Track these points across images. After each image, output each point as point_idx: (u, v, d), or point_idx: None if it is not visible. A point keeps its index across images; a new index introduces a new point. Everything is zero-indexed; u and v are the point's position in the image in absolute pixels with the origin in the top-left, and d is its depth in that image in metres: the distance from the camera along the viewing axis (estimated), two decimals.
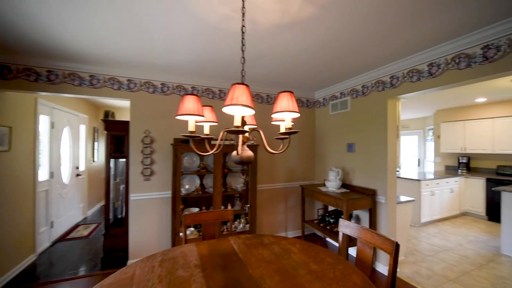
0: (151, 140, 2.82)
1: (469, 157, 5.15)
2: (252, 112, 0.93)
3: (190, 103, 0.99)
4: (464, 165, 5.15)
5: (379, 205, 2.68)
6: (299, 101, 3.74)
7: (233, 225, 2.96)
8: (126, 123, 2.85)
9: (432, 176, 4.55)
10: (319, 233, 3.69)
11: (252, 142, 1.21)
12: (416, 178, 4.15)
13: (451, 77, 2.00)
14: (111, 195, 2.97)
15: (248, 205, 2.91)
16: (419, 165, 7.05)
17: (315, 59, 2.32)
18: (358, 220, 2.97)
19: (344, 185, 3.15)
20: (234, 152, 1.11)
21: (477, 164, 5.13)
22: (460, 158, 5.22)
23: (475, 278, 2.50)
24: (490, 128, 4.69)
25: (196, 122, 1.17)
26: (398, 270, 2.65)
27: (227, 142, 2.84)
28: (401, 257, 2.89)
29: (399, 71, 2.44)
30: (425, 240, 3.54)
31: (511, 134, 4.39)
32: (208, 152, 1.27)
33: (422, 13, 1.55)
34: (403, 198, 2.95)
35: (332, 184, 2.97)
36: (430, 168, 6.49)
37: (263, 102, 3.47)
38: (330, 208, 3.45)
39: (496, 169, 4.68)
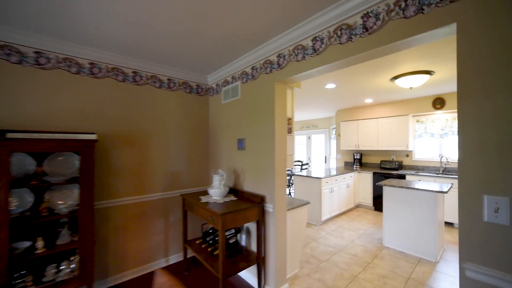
0: None
1: (361, 153, 5.67)
2: None
3: None
4: (357, 161, 5.64)
5: (267, 215, 2.16)
6: (185, 86, 2.92)
7: (52, 271, 1.83)
8: None
9: (334, 172, 4.64)
10: None
11: None
12: (317, 176, 4.08)
13: (334, 53, 1.61)
14: None
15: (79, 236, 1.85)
16: (325, 162, 7.56)
17: (174, 18, 1.53)
18: (248, 234, 2.40)
19: (234, 191, 2.53)
20: None
21: (367, 159, 5.71)
22: (355, 154, 5.69)
23: (362, 284, 2.32)
24: (375, 127, 5.23)
25: None
26: None
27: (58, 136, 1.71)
28: (295, 270, 2.50)
29: (285, 48, 1.97)
30: (323, 241, 3.38)
31: (389, 133, 4.99)
32: None
33: None
34: (301, 201, 2.57)
35: (216, 192, 2.28)
36: (334, 164, 6.99)
37: (127, 80, 2.45)
38: None
39: (380, 164, 5.27)
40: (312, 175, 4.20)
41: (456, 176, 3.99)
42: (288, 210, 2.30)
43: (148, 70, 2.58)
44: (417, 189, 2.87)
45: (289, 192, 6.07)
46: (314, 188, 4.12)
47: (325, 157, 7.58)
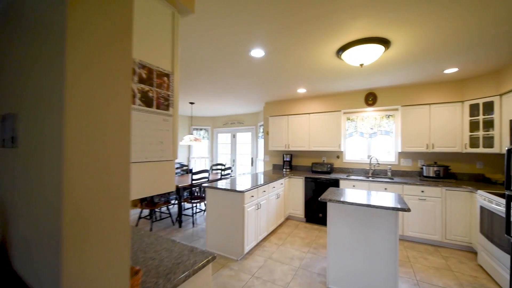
0: None
1: (291, 154, 4.87)
2: None
3: None
4: (287, 163, 4.81)
5: None
6: None
7: None
8: None
9: (261, 180, 3.53)
10: None
11: None
12: (239, 189, 2.81)
13: None
14: None
15: None
16: (252, 164, 6.53)
17: None
18: None
19: None
20: None
21: (298, 161, 4.98)
22: (284, 156, 4.84)
23: None
24: (306, 124, 4.52)
25: None
26: None
27: None
28: None
29: None
30: None
31: (322, 131, 4.35)
32: None
33: None
34: (196, 258, 1.16)
35: None
36: (261, 167, 6.04)
37: None
38: None
39: (311, 167, 4.59)
40: (231, 188, 2.89)
41: (388, 180, 3.66)
42: None
43: None
44: (373, 206, 2.02)
45: (205, 209, 4.60)
46: (234, 206, 2.82)
47: (252, 158, 6.56)
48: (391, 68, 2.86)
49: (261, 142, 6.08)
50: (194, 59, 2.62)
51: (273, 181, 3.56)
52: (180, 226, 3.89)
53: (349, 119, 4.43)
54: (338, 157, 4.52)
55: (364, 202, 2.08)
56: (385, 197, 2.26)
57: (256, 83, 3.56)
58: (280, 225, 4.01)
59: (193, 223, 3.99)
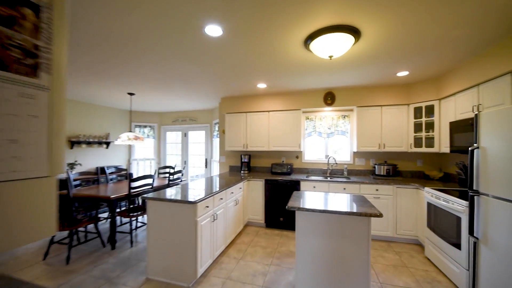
0: None
1: (250, 155, 4.54)
2: None
3: None
4: (245, 164, 4.45)
5: None
6: None
7: None
8: None
9: (217, 185, 3.06)
10: None
11: None
12: (190, 199, 2.28)
13: None
14: None
15: None
16: (206, 166, 5.95)
17: None
18: None
19: None
20: None
21: (257, 162, 4.68)
22: (242, 156, 4.47)
23: None
24: (266, 122, 4.26)
25: None
26: None
27: None
28: None
29: None
30: None
31: (282, 131, 4.15)
32: None
33: None
34: None
35: None
36: (217, 169, 5.52)
37: None
38: None
39: (271, 168, 4.34)
40: (182, 198, 2.34)
41: (346, 179, 3.68)
42: None
43: None
44: (346, 213, 1.82)
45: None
46: (185, 220, 2.29)
47: (206, 160, 5.97)
48: (355, 65, 2.80)
49: (216, 141, 5.55)
50: (129, 31, 1.97)
51: (231, 186, 3.13)
52: (113, 248, 3.08)
53: (308, 119, 4.36)
54: (297, 157, 4.40)
55: (335, 208, 1.87)
56: (353, 201, 2.12)
57: (211, 72, 3.07)
58: (239, 234, 3.62)
59: (131, 242, 3.21)
